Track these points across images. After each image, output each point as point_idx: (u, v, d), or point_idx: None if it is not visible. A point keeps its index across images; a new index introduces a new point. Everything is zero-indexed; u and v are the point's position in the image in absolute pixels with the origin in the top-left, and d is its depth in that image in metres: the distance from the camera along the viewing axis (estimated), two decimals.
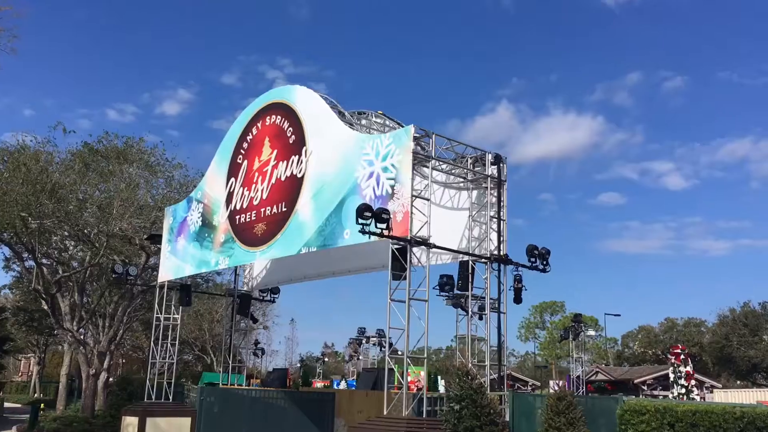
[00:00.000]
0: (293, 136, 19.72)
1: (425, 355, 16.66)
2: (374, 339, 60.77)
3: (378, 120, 20.05)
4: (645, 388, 43.96)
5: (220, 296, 62.56)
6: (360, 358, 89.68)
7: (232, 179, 21.84)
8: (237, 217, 21.26)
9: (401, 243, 16.36)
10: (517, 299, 17.83)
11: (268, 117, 20.88)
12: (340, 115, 18.83)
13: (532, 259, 17.87)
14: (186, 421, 22.52)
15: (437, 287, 34.12)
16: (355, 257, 21.70)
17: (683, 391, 27.96)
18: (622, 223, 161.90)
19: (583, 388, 48.66)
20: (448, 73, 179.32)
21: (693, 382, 29.06)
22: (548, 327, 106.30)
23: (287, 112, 20.12)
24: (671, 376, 29.05)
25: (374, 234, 15.31)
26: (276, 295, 26.57)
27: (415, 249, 16.29)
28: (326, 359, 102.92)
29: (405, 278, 16.32)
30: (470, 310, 17.79)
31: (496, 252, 17.55)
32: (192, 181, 31.57)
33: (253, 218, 20.58)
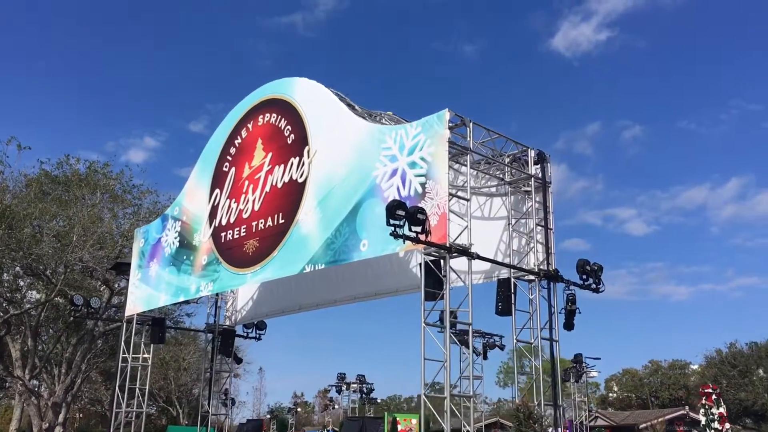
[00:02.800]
0: (292, 136, 16.66)
1: (473, 393, 13.40)
2: (355, 385, 56.86)
3: (390, 122, 17.15)
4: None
5: (187, 342, 58.95)
6: (336, 406, 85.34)
7: (217, 191, 18.62)
8: (222, 234, 17.97)
9: (436, 254, 13.29)
10: (569, 324, 14.74)
11: (261, 116, 17.83)
12: (351, 108, 15.87)
13: (584, 277, 14.90)
14: None
15: (439, 321, 30.86)
16: (367, 277, 18.49)
17: None
18: None
19: None
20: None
21: (727, 425, 26.23)
22: (527, 371, 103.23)
23: (284, 108, 17.10)
24: (702, 419, 26.17)
25: (408, 239, 12.21)
26: (262, 332, 23.04)
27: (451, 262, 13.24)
28: (298, 410, 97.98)
29: (443, 297, 13.23)
30: (515, 335, 14.60)
31: (543, 267, 14.53)
32: (165, 207, 28.22)
33: (242, 234, 17.33)
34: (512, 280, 14.56)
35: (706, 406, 25.72)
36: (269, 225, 16.61)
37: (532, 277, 14.78)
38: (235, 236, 17.50)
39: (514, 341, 14.46)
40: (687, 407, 43.42)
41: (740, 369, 74.06)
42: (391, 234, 12.07)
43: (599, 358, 61.12)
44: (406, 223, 12.18)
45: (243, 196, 17.62)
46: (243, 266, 17.03)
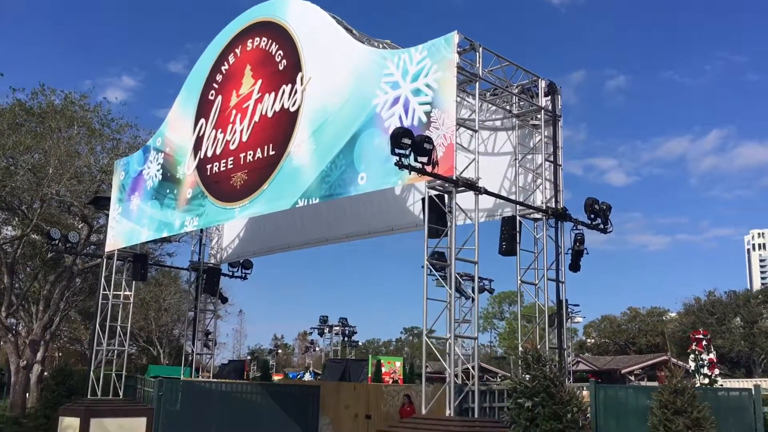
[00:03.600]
0: (284, 61, 15.53)
1: (475, 335, 12.76)
2: (337, 328, 56.74)
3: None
4: (632, 378, 41.16)
5: (167, 283, 58.18)
6: (317, 349, 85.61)
7: (202, 120, 17.51)
8: (208, 166, 16.95)
9: (440, 188, 12.44)
10: (575, 266, 14.06)
11: (251, 40, 16.62)
12: (349, 32, 14.74)
13: (592, 216, 14.18)
14: (140, 422, 18.12)
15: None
16: (360, 215, 17.65)
17: (706, 381, 25.01)
18: None
19: (570, 379, 45.69)
20: None
21: (717, 371, 26.23)
22: (507, 317, 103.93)
23: (276, 32, 15.91)
24: (692, 364, 26.08)
25: (414, 170, 11.31)
26: (248, 271, 22.24)
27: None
28: (279, 351, 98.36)
29: (446, 234, 12.46)
30: (519, 271, 13.87)
31: (550, 205, 13.75)
32: (145, 142, 26.96)
33: (229, 166, 16.33)
34: (518, 218, 13.76)
35: (696, 352, 25.60)
36: (258, 157, 15.62)
37: (538, 216, 14.02)
38: (222, 169, 16.50)
39: (519, 282, 13.77)
40: (669, 353, 43.79)
41: (718, 317, 75.18)
42: (396, 164, 11.17)
43: (578, 305, 61.70)
44: (412, 154, 11.27)
45: (230, 126, 16.56)
46: (231, 200, 16.08)
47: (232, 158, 16.31)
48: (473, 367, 12.08)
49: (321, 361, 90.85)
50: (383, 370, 40.14)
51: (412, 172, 11.79)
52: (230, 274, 22.10)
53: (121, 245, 19.22)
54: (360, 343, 74.35)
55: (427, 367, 51.94)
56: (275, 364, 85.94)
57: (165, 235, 18.67)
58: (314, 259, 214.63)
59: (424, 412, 11.55)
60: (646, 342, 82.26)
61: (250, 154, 15.84)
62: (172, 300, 58.99)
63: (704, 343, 25.58)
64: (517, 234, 13.73)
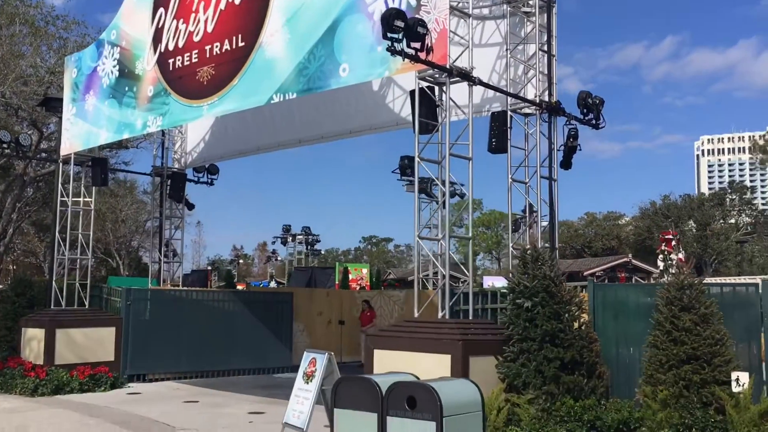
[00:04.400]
0: None
1: (470, 235, 12.17)
2: (300, 237, 56.24)
3: None
4: (595, 280, 41.80)
5: (123, 194, 56.54)
6: (278, 258, 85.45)
7: (161, 10, 16.01)
8: (170, 60, 15.62)
9: (431, 79, 11.54)
10: (567, 163, 13.45)
11: None
12: None
13: (584, 111, 13.48)
14: (108, 332, 17.45)
15: (398, 170, 29.38)
16: (336, 114, 16.66)
17: None
18: None
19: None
20: None
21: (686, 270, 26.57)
22: (466, 224, 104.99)
23: None
24: (661, 264, 26.31)
25: (408, 56, 10.33)
26: (214, 177, 21.19)
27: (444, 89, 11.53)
28: (240, 261, 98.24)
29: (437, 130, 11.65)
30: (510, 170, 13.20)
31: (543, 99, 12.97)
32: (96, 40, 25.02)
33: (194, 60, 15.04)
34: (509, 113, 12.97)
35: (665, 252, 25.80)
36: (226, 49, 14.36)
37: (530, 110, 13.26)
38: (186, 63, 15.21)
39: (510, 180, 13.12)
40: (630, 255, 44.69)
41: (672, 220, 77.00)
42: (387, 49, 10.18)
43: (535, 212, 62.43)
44: (404, 39, 10.27)
45: (193, 15, 15.16)
46: (197, 98, 14.89)
47: (196, 51, 15.01)
48: (467, 268, 11.57)
49: (283, 270, 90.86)
50: (350, 277, 40.13)
51: (401, 62, 10.86)
52: (195, 179, 21.05)
53: (77, 148, 17.92)
54: (322, 252, 74.42)
55: (389, 273, 52.27)
56: (236, 274, 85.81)
57: (126, 136, 17.45)
58: (273, 166, 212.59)
59: (416, 315, 11.04)
60: (602, 246, 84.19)
61: (216, 47, 14.56)
62: (129, 211, 57.64)
63: (673, 243, 25.76)
64: (508, 130, 12.98)
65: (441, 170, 11.80)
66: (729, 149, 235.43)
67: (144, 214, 61.09)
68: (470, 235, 12.16)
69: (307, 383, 10.04)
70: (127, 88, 16.68)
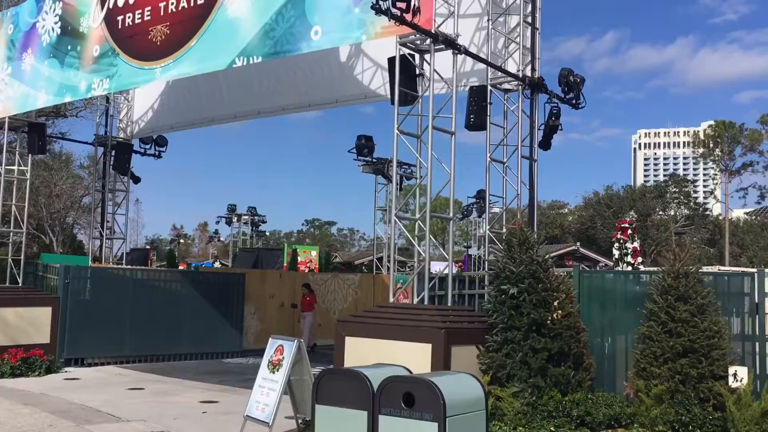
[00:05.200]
0: None
1: (451, 215, 11.40)
2: (246, 217, 54.68)
3: None
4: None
5: (58, 167, 53.94)
6: (221, 239, 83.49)
7: None
8: (119, 18, 14.29)
9: (413, 46, 10.67)
10: (546, 143, 12.81)
11: None
12: None
13: (565, 89, 12.85)
14: (44, 312, 16.09)
15: (353, 150, 28.44)
16: (298, 85, 15.62)
17: (629, 269, 25.24)
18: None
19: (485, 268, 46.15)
20: None
21: (640, 259, 26.55)
22: (412, 210, 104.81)
23: None
24: (616, 253, 26.24)
25: (393, 17, 9.42)
26: (162, 149, 19.89)
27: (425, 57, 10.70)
28: (181, 241, 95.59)
29: (419, 100, 10.81)
30: (489, 148, 12.49)
31: (527, 74, 12.27)
32: None
33: (146, 18, 13.78)
34: (489, 88, 12.21)
35: (621, 241, 25.70)
36: (183, 7, 13.16)
37: (509, 87, 12.56)
38: (137, 21, 13.93)
39: (488, 160, 12.40)
40: (578, 243, 44.83)
41: (614, 210, 78.19)
42: (372, 7, 9.25)
43: (479, 200, 62.38)
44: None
45: None
46: (149, 59, 13.65)
47: (149, 8, 13.74)
48: (446, 251, 10.81)
49: (225, 251, 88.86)
50: (299, 259, 39.06)
51: (379, 26, 9.98)
52: (142, 151, 19.70)
53: (12, 112, 16.39)
54: (267, 233, 72.87)
55: (335, 256, 51.11)
56: (177, 254, 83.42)
57: (68, 99, 16.00)
58: (212, 144, 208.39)
59: (391, 299, 10.24)
60: (545, 234, 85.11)
61: (172, 4, 13.34)
62: (64, 186, 55.17)
63: (629, 232, 25.71)
64: (488, 105, 12.23)
65: (420, 144, 10.96)
66: (664, 143, 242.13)
67: (80, 190, 58.59)
68: (451, 215, 11.36)
69: (273, 373, 9.13)
70: (69, 47, 15.26)
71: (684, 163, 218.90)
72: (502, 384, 9.17)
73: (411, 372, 6.89)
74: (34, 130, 16.54)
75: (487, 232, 12.41)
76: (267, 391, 9.09)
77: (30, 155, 16.88)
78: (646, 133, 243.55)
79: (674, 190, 79.01)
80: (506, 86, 12.55)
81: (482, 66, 12.74)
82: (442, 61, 11.10)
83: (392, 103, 10.82)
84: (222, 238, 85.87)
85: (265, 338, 20.78)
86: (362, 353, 9.57)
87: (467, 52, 10.97)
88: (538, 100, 12.35)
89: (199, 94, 17.42)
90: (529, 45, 12.36)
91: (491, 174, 12.49)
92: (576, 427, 8.59)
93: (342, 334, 9.80)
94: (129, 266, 20.32)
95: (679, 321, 8.68)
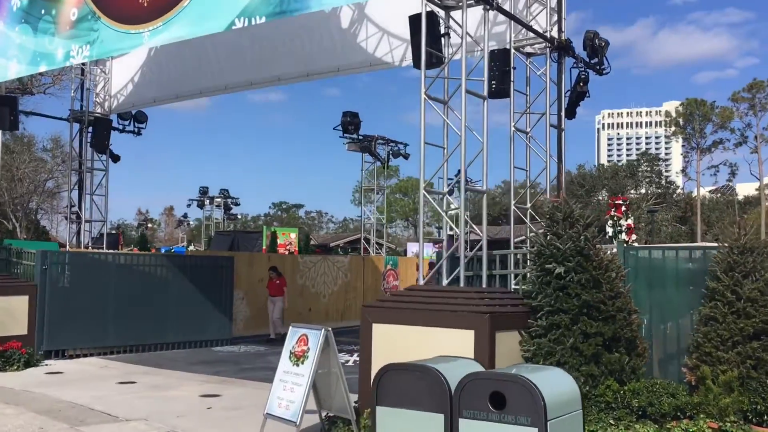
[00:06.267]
0: None
1: (484, 187, 10.47)
2: (218, 200, 53.11)
3: None
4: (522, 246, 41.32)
5: (20, 150, 51.85)
6: (190, 223, 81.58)
7: None
8: None
9: (438, 1, 9.67)
10: (572, 111, 11.96)
11: None
12: None
13: (591, 53, 11.99)
14: (21, 301, 14.86)
15: (339, 127, 27.30)
16: (296, 53, 14.49)
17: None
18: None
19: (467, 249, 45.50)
20: None
21: (634, 236, 26.02)
22: (376, 191, 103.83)
23: None
24: (610, 230, 25.67)
25: None
26: (141, 125, 18.60)
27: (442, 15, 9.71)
28: (149, 225, 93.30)
29: (446, 64, 9.83)
30: (513, 117, 11.57)
31: (553, 35, 11.35)
32: None
33: None
34: (512, 51, 11.27)
35: (615, 218, 25.14)
36: None
37: (531, 50, 11.64)
38: None
39: (512, 130, 11.49)
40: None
41: (587, 189, 78.35)
42: None
43: (451, 179, 62.04)
44: None
45: None
46: (136, 22, 12.42)
47: None
48: (475, 227, 9.92)
49: (192, 234, 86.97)
50: (278, 241, 37.92)
51: None
52: (120, 127, 18.39)
53: None
54: (239, 216, 71.20)
55: (311, 239, 49.48)
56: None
57: (43, 69, 14.65)
58: (173, 127, 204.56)
59: (421, 281, 9.31)
60: (503, 213, 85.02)
61: None
62: (27, 169, 53.19)
63: (623, 208, 25.15)
64: (511, 71, 11.29)
65: (447, 111, 9.98)
66: (627, 123, 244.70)
67: (44, 173, 56.46)
68: (485, 188, 10.43)
69: (297, 365, 8.14)
70: (43, 11, 13.92)
71: (646, 143, 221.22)
72: None
73: (478, 362, 5.96)
74: (4, 104, 15.15)
75: (513, 207, 11.52)
76: (291, 386, 8.11)
77: (0, 132, 15.49)
78: (609, 114, 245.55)
79: (646, 168, 79.28)
80: (528, 49, 11.62)
81: (501, 28, 11.81)
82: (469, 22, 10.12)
83: (415, 66, 9.84)
84: (191, 222, 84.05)
85: (253, 324, 20.01)
86: (393, 342, 8.65)
87: (500, 9, 9.98)
88: (564, 64, 11.45)
89: (185, 64, 16.18)
90: (554, 4, 11.40)
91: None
92: (637, 419, 7.79)
93: (369, 320, 8.84)
94: (109, 251, 19.06)
95: (748, 300, 7.91)
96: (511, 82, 11.24)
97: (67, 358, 15.21)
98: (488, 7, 9.57)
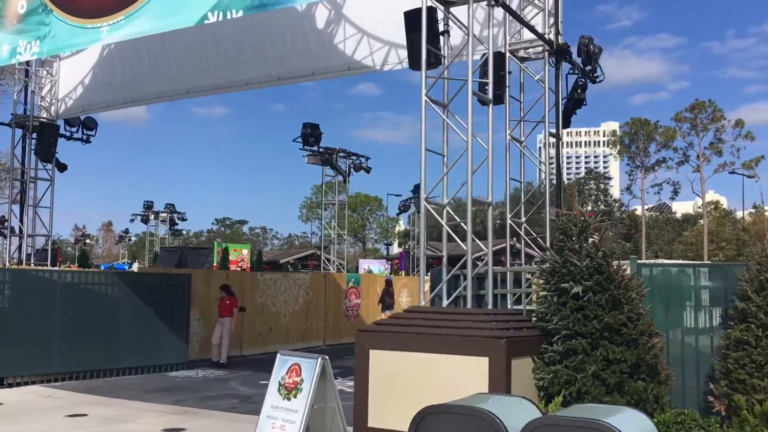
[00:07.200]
0: None
1: (489, 199, 9.66)
2: (164, 214, 51.18)
3: None
4: (479, 263, 40.93)
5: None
6: (132, 239, 78.89)
7: None
8: None
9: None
10: (566, 120, 11.31)
11: None
12: None
13: (585, 59, 11.39)
14: None
15: (299, 139, 26.29)
16: (266, 55, 13.48)
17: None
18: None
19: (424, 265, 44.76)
20: None
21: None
22: (332, 206, 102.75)
23: None
24: None
25: None
26: (91, 132, 17.24)
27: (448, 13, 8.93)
28: (87, 241, 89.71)
29: (445, 63, 9.04)
30: (508, 125, 10.83)
31: (551, 38, 10.69)
32: None
33: None
34: (507, 55, 10.55)
35: None
36: None
37: (525, 54, 10.97)
38: None
39: (507, 139, 10.76)
40: (515, 238, 44.14)
41: (537, 206, 79.04)
42: None
43: (400, 195, 61.40)
44: None
45: None
46: (93, 16, 11.24)
47: None
48: (482, 242, 9.10)
49: (132, 251, 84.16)
50: (230, 258, 36.46)
51: None
52: (68, 135, 16.98)
53: None
54: (184, 232, 69.08)
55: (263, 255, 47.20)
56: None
57: None
58: (110, 139, 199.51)
59: (422, 302, 8.42)
60: (464, 229, 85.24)
61: None
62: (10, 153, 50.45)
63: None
64: (507, 76, 10.58)
65: (447, 114, 9.18)
66: (567, 143, 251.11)
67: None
68: (490, 199, 9.63)
69: (288, 399, 7.13)
70: None
71: (585, 162, 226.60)
72: (568, 405, 7.50)
73: (533, 402, 5.07)
74: None
75: (510, 221, 10.76)
76: (281, 423, 7.09)
77: None
78: (550, 133, 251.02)
79: (592, 186, 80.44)
80: (522, 54, 10.94)
81: (494, 31, 11.08)
82: (464, 19, 9.39)
83: (411, 66, 9.06)
84: (132, 238, 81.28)
85: (209, 347, 18.67)
86: (393, 371, 7.73)
87: (505, 6, 9.24)
88: (561, 69, 10.81)
89: (141, 65, 14.99)
90: (551, 6, 10.76)
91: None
92: None
93: (366, 347, 7.89)
94: (53, 268, 17.56)
95: None
96: (506, 88, 10.52)
97: (5, 387, 13.73)
98: (494, 2, 8.82)
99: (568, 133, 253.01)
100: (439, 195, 9.84)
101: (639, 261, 8.92)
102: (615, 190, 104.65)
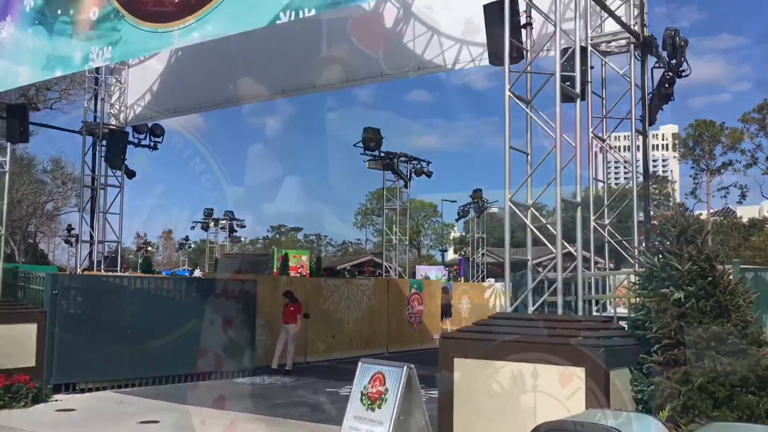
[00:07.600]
0: None
1: (578, 199, 9.20)
2: (224, 222, 51.74)
3: None
4: (541, 269, 40.07)
5: (19, 171, 50.64)
6: (192, 246, 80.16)
7: None
8: None
9: None
10: (653, 117, 10.72)
11: None
12: None
13: (671, 53, 10.78)
14: (29, 330, 13.46)
15: (360, 143, 26.03)
16: (331, 59, 13.25)
17: None
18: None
19: (484, 271, 44.10)
20: None
21: None
22: (392, 211, 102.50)
23: None
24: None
25: None
26: (158, 139, 17.32)
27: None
28: (149, 248, 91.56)
29: (529, 58, 8.61)
30: (590, 122, 10.33)
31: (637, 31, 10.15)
32: None
33: None
34: (589, 48, 10.05)
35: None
36: None
37: (607, 48, 10.44)
38: None
39: (590, 137, 10.24)
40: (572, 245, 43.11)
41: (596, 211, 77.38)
42: None
43: (455, 201, 60.54)
44: None
45: None
46: (164, 20, 11.17)
47: None
48: (572, 247, 8.63)
49: (192, 258, 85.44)
50: (290, 264, 36.50)
51: None
52: (136, 141, 17.11)
53: None
54: (242, 239, 69.83)
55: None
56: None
57: (59, 73, 13.34)
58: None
59: (508, 308, 8.00)
60: (524, 235, 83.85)
61: None
62: (26, 191, 52.10)
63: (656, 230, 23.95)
64: (588, 71, 10.07)
65: (531, 110, 8.75)
66: (624, 147, 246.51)
67: (43, 196, 55.24)
68: (578, 199, 9.17)
69: (372, 410, 6.80)
70: (60, 11, 12.67)
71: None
72: (674, 421, 6.96)
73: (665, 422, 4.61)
74: (14, 114, 13.87)
75: (594, 223, 10.22)
76: None
77: (9, 144, 14.19)
78: (607, 136, 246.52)
79: (655, 190, 78.21)
80: (604, 47, 10.42)
81: (571, 25, 10.59)
82: (544, 10, 8.96)
83: (492, 62, 8.62)
84: (192, 245, 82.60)
85: (273, 354, 18.51)
86: (477, 381, 7.32)
87: None
88: (647, 64, 10.24)
89: (208, 71, 14.95)
90: None
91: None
92: None
93: (450, 354, 7.50)
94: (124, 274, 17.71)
95: None
96: (588, 83, 10.01)
97: (77, 392, 13.80)
98: None
99: (625, 136, 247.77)
100: (521, 197, 9.37)
101: (742, 266, 8.31)
102: (677, 194, 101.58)
